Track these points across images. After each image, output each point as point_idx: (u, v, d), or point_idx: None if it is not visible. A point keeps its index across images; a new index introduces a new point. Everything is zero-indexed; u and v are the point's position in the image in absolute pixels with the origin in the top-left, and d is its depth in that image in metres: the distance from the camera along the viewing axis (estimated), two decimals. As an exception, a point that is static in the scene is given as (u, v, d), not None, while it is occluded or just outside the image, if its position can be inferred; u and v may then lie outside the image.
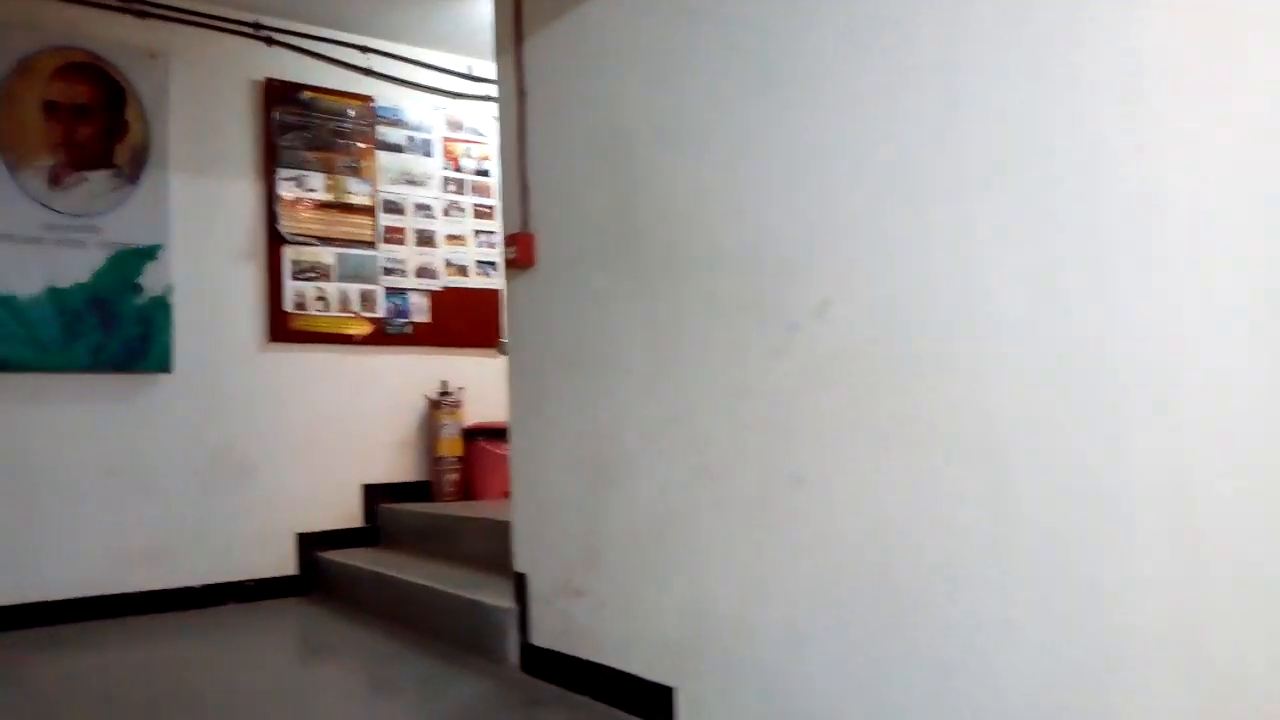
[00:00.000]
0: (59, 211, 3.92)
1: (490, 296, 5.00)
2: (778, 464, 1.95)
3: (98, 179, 4.01)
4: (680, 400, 2.23)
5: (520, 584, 2.86)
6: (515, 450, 2.97)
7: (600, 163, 2.54)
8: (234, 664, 3.17)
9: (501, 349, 3.23)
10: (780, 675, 1.94)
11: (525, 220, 2.85)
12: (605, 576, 2.50)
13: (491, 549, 3.56)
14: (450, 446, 4.66)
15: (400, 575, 3.62)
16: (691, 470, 2.19)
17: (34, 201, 3.87)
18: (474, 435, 4.71)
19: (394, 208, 4.77)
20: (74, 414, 3.93)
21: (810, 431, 1.88)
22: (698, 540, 2.17)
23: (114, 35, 4.10)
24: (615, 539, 2.47)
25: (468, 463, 4.71)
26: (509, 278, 2.98)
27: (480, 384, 4.90)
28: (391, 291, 4.71)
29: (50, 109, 3.93)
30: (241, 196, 4.38)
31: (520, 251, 2.79)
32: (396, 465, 4.69)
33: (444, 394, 4.74)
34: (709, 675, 2.14)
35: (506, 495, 4.82)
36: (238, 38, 4.40)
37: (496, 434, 4.66)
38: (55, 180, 3.93)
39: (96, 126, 4.03)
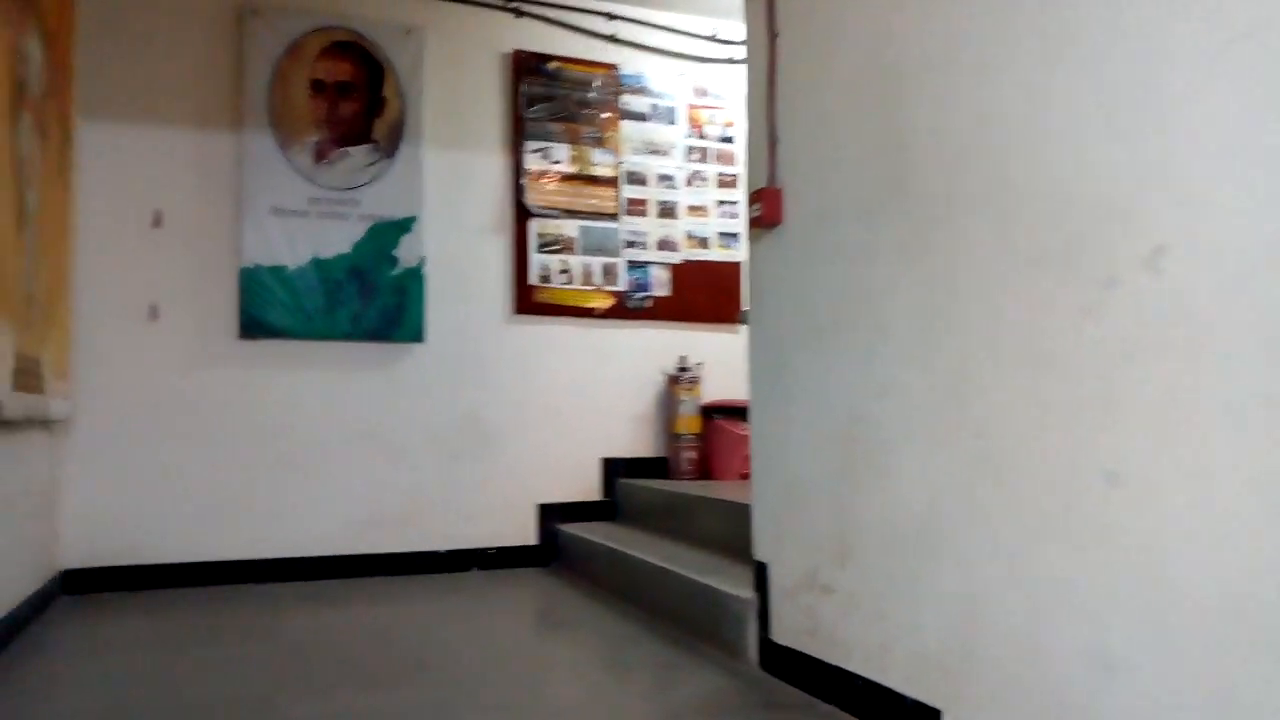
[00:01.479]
0: (322, 186, 4.09)
1: (731, 270, 4.77)
2: (1087, 454, 1.57)
3: (358, 154, 4.15)
4: (956, 374, 1.89)
5: (760, 574, 2.62)
6: (756, 429, 2.72)
7: (861, 102, 2.23)
8: (472, 631, 3.16)
9: (743, 320, 2.99)
10: (1081, 710, 1.57)
11: (772, 174, 2.58)
12: (858, 574, 2.20)
13: (730, 532, 3.35)
14: (688, 424, 4.49)
15: (637, 554, 3.48)
16: (970, 458, 1.85)
17: (301, 176, 4.06)
18: (712, 413, 4.52)
19: (637, 178, 4.65)
20: (333, 380, 4.11)
21: (1133, 414, 1.49)
22: (975, 541, 1.83)
23: (374, 13, 4.23)
24: (871, 533, 2.16)
25: (706, 441, 4.52)
26: (752, 239, 2.73)
27: (719, 361, 4.70)
28: (633, 265, 4.60)
29: (316, 87, 4.11)
30: (490, 169, 4.41)
31: (766, 208, 2.53)
32: (635, 440, 4.58)
33: (682, 370, 4.57)
34: (984, 700, 1.79)
35: (745, 477, 4.59)
36: (488, 10, 4.42)
37: (735, 413, 4.44)
38: (320, 155, 4.10)
39: (358, 103, 4.17)
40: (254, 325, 3.96)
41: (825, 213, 2.36)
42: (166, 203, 3.92)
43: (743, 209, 4.77)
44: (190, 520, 3.86)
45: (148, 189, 3.89)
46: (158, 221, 3.90)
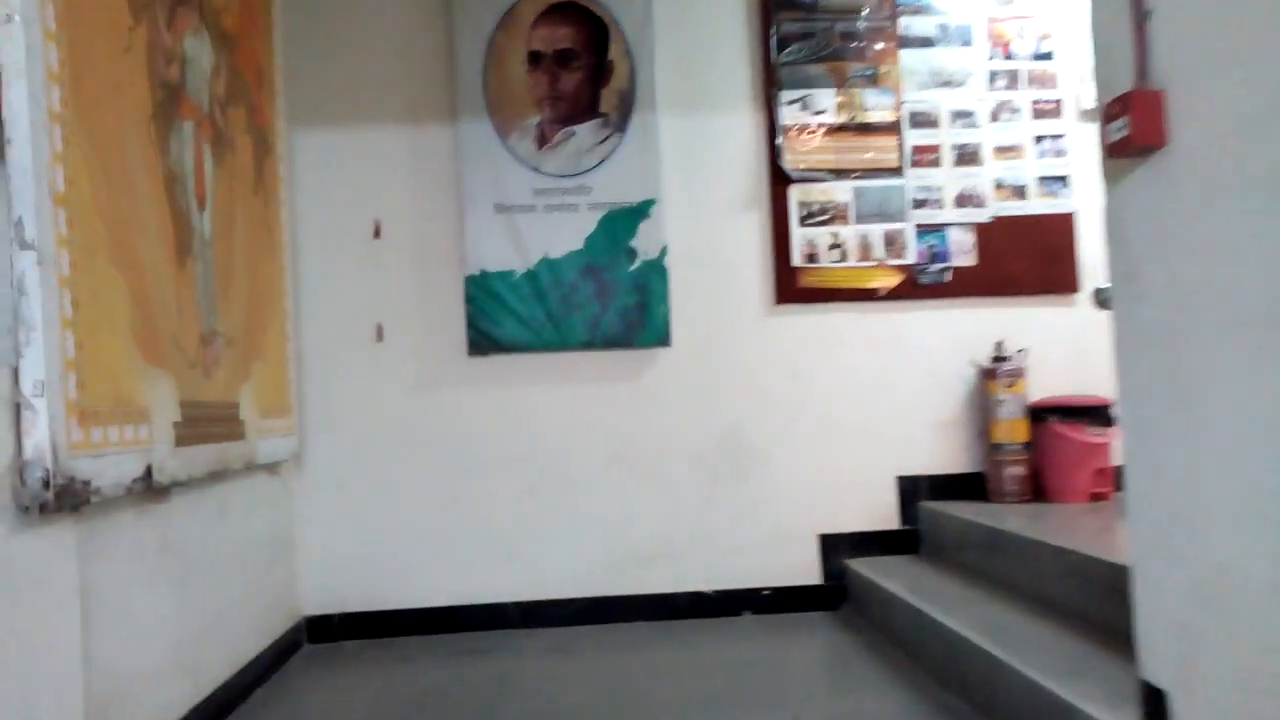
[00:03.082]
0: (548, 174, 3.54)
1: (1060, 224, 3.67)
2: None
3: (584, 132, 3.55)
4: None
5: (1155, 706, 1.66)
6: (1135, 456, 1.75)
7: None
8: (746, 698, 2.45)
9: (1099, 299, 2.01)
10: None
11: (1143, 67, 1.60)
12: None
13: (1086, 595, 2.38)
14: (1010, 430, 3.48)
15: (950, 623, 2.59)
16: None
17: (524, 166, 3.53)
18: (1043, 415, 3.47)
19: (924, 120, 3.68)
20: (573, 396, 3.56)
21: None
22: None
23: (593, -35, 3.61)
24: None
25: (1036, 451, 3.48)
26: (1111, 176, 1.76)
27: (1050, 345, 3.63)
28: (924, 229, 3.65)
29: (533, 60, 3.55)
30: (738, 132, 3.65)
31: (1139, 123, 1.56)
32: (938, 452, 3.64)
33: (999, 359, 3.56)
34: None
35: (1095, 498, 3.53)
36: (725, -60, 3.65)
37: (1078, 414, 3.37)
38: (543, 139, 3.55)
39: (581, 72, 3.57)
40: (483, 340, 3.49)
41: (1257, 119, 1.37)
42: (385, 210, 3.54)
43: (1087, 123, 3.65)
44: (428, 560, 3.47)
45: (365, 196, 3.54)
46: (378, 232, 3.54)
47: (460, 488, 3.51)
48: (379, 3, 3.56)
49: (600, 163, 3.55)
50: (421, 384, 3.53)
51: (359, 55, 3.54)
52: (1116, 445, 3.34)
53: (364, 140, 3.54)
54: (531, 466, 3.53)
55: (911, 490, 3.61)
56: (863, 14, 3.68)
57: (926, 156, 3.67)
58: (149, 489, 2.11)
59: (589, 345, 3.52)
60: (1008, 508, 3.41)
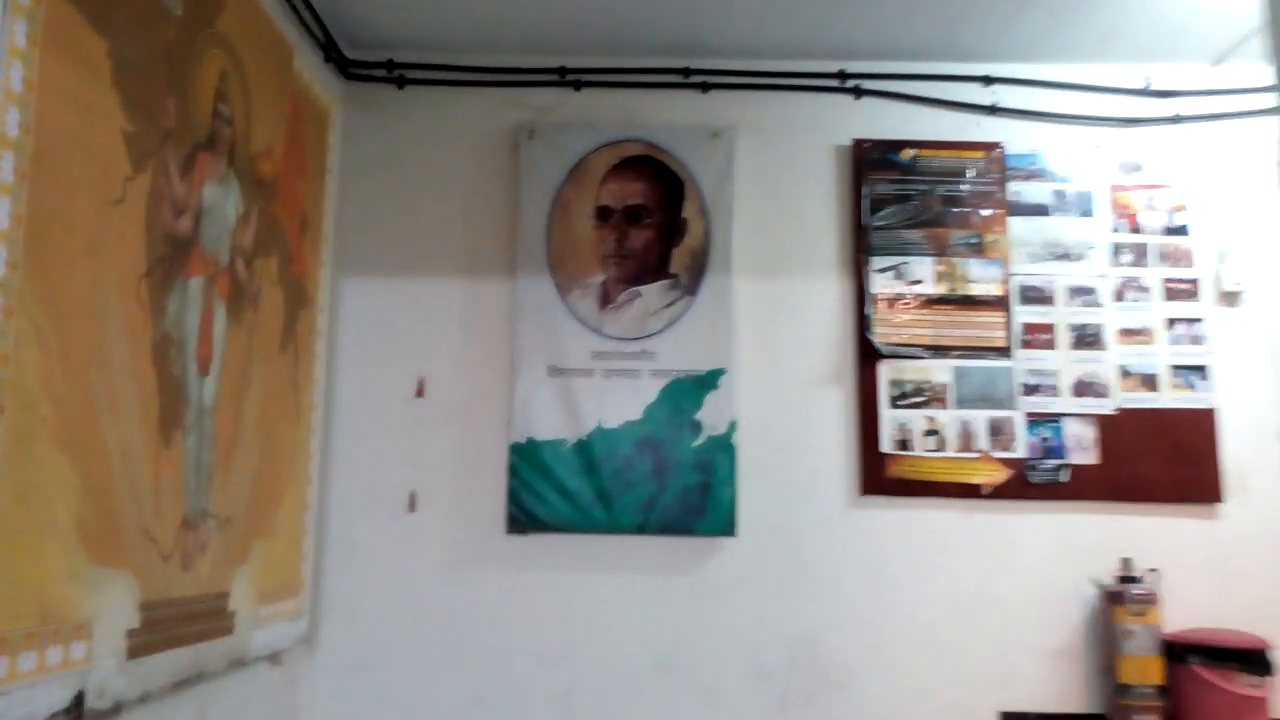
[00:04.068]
0: (609, 336, 3.21)
1: (1199, 420, 3.15)
2: None
3: (651, 293, 3.23)
4: None
5: None
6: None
7: None
8: None
9: None
10: None
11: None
12: None
13: None
14: (1141, 669, 2.88)
15: None
16: None
17: (584, 326, 3.21)
18: (1183, 654, 2.86)
19: (1036, 295, 3.25)
20: (620, 588, 3.12)
21: None
22: None
23: (671, 117, 3.36)
24: None
25: (1174, 698, 2.86)
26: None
27: (1186, 563, 3.06)
28: (1037, 419, 3.17)
29: (602, 215, 3.28)
30: (822, 299, 3.28)
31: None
32: (1051, 686, 3.04)
33: (1126, 579, 2.99)
34: None
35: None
36: (818, 94, 3.37)
37: (1226, 656, 2.78)
38: (606, 299, 3.24)
39: (652, 230, 3.28)
40: (524, 516, 3.11)
41: None
42: (431, 367, 3.25)
43: (1213, 325, 3.17)
44: (443, 772, 3.01)
45: (412, 352, 3.26)
46: (421, 390, 3.24)
47: (488, 687, 3.06)
48: (443, 149, 3.37)
49: (667, 326, 3.21)
50: (454, 562, 3.14)
51: (417, 204, 3.33)
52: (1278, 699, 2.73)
53: (414, 293, 3.29)
54: (570, 668, 3.07)
55: (1018, 731, 3.01)
56: (967, 176, 3.32)
57: (1039, 337, 3.22)
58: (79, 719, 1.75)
59: (642, 529, 3.10)
60: (1139, 766, 2.79)
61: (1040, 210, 3.31)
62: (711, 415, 3.14)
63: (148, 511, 1.99)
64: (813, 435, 3.19)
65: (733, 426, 3.13)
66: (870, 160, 3.33)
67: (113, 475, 1.85)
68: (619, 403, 3.16)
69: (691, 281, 3.23)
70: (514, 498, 3.12)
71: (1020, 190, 3.32)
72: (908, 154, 3.34)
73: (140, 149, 1.94)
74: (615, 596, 3.11)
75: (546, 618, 3.10)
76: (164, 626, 2.05)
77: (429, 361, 3.25)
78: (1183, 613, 2.97)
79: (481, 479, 3.17)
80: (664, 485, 3.11)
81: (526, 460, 3.13)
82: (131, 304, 1.92)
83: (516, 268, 3.26)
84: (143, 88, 1.95)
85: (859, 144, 3.34)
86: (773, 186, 3.33)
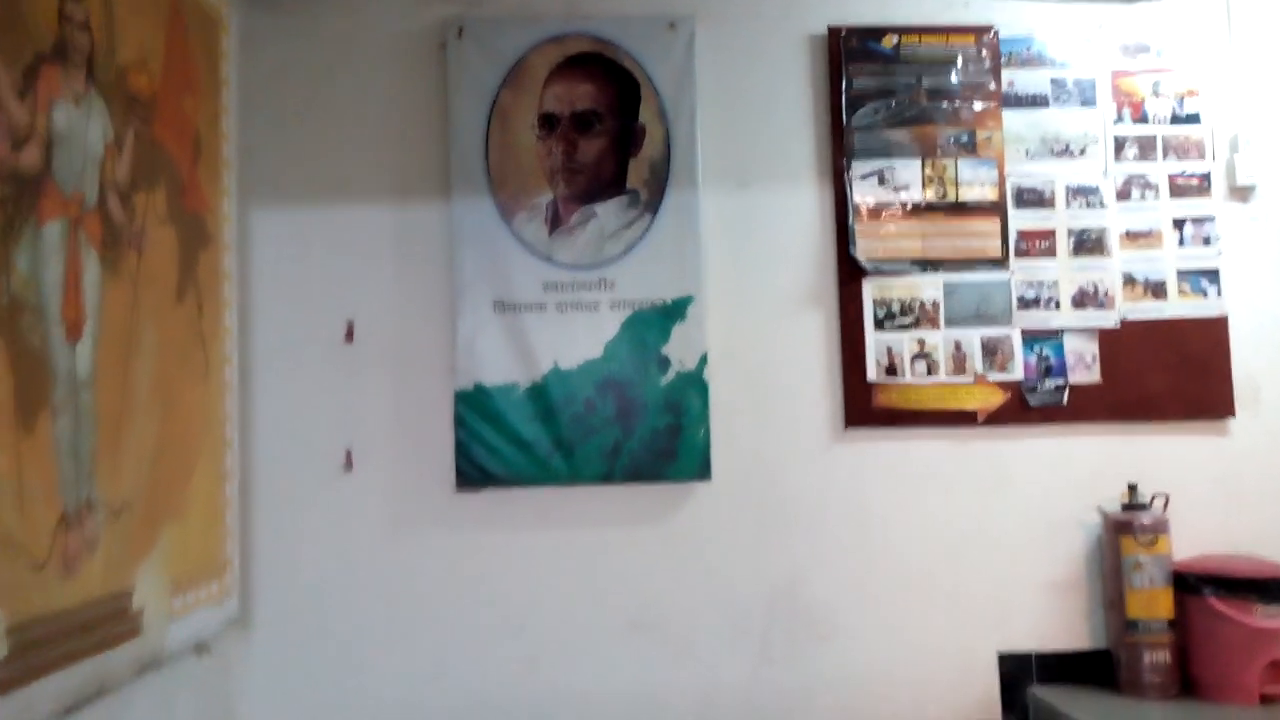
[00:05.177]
0: (561, 264, 2.84)
1: (1209, 330, 2.89)
2: None
3: (607, 212, 2.86)
4: None
5: None
6: None
7: None
8: None
9: None
10: None
11: None
12: None
13: None
14: (1150, 603, 2.67)
15: None
16: None
17: (532, 254, 2.84)
18: (1195, 585, 2.66)
19: (1033, 198, 2.93)
20: (587, 542, 2.83)
21: None
22: None
23: (621, 6, 2.93)
24: None
25: (1185, 632, 2.67)
26: None
27: (1197, 485, 2.85)
28: (1034, 336, 2.89)
29: (546, 124, 2.87)
30: (799, 212, 2.92)
31: None
32: (1052, 623, 2.84)
33: (1133, 506, 2.76)
34: None
35: (1267, 700, 2.66)
36: (785, -24, 2.96)
37: (1241, 586, 2.59)
38: (556, 221, 2.86)
39: (605, 139, 2.88)
40: (475, 471, 2.79)
41: None
42: (361, 308, 2.87)
43: (1226, 224, 2.89)
44: (402, 750, 2.75)
45: (336, 292, 2.87)
46: (350, 334, 2.87)
47: (446, 656, 2.79)
48: (360, 53, 2.91)
49: (626, 251, 2.85)
50: (398, 525, 2.83)
51: (333, 119, 2.89)
52: (1296, 629, 2.54)
53: (336, 222, 2.88)
54: (533, 632, 2.80)
55: (1017, 672, 2.81)
56: (957, 65, 2.95)
57: (1037, 244, 2.91)
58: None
59: (607, 478, 2.80)
60: (1147, 705, 2.62)
61: (1038, 101, 2.96)
62: (680, 349, 2.81)
63: (6, 516, 1.63)
64: (791, 365, 2.88)
65: (704, 360, 2.81)
66: (848, 50, 2.93)
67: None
68: (576, 339, 2.82)
69: (652, 197, 2.86)
70: (462, 451, 2.79)
71: (1015, 79, 2.95)
72: (889, 41, 2.95)
73: (-54, 65, 1.51)
74: (580, 554, 2.82)
75: (506, 580, 2.81)
76: (44, 648, 1.72)
77: (357, 301, 2.87)
78: (1192, 537, 2.76)
79: (424, 431, 2.83)
80: (630, 429, 2.79)
81: (474, 409, 2.79)
82: (-46, 265, 1.52)
83: (451, 189, 2.86)
84: (-58, -15, 1.51)
85: (835, 32, 2.94)
86: (739, 84, 2.94)
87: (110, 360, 1.99)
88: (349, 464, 2.83)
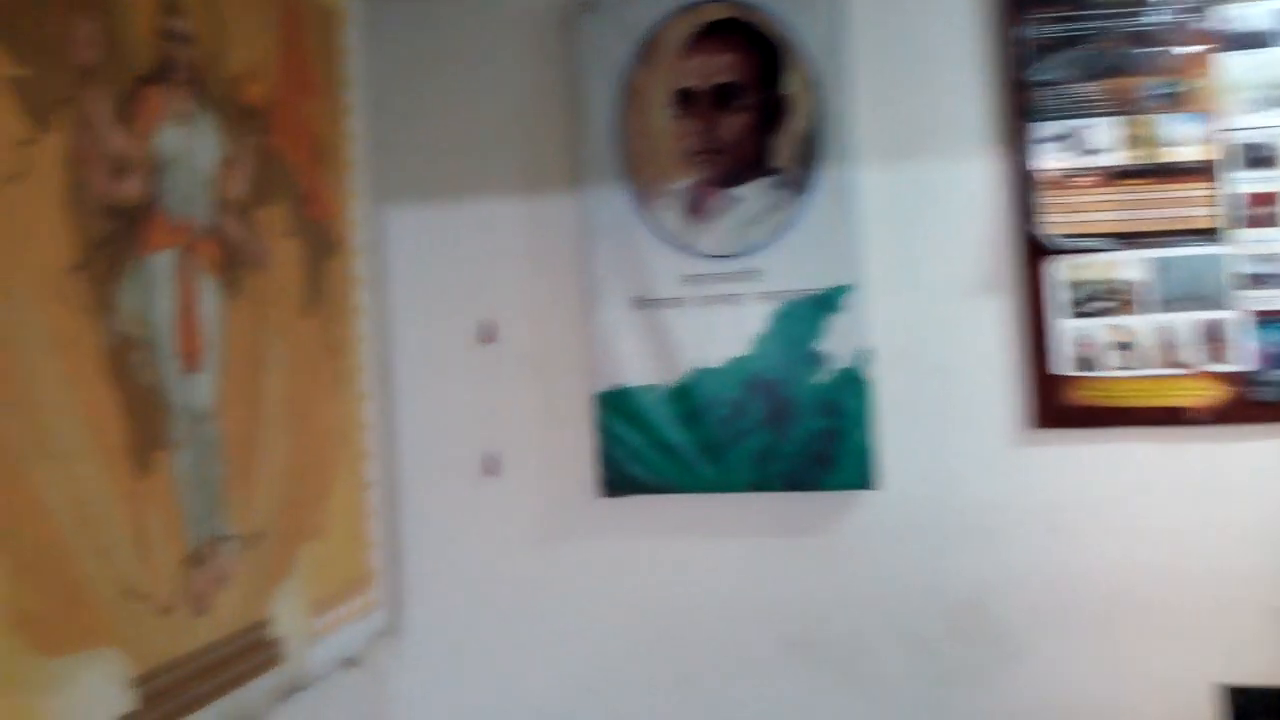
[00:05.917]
0: (702, 254, 2.62)
1: None
2: None
3: (752, 195, 2.60)
4: None
5: None
6: None
7: None
8: None
9: None
10: None
11: None
12: None
13: None
14: None
15: None
16: None
17: (671, 245, 2.63)
18: None
19: (1259, 157, 2.47)
20: (735, 555, 2.63)
21: None
22: None
23: (763, -35, 2.64)
24: None
25: None
26: None
27: None
28: (1265, 318, 2.44)
29: (683, 101, 2.63)
30: (969, 184, 2.58)
31: None
32: (1286, 653, 2.44)
33: (1394, 519, 2.31)
34: None
35: None
36: (950, -87, 2.59)
37: None
38: (695, 207, 2.63)
39: (748, 114, 2.62)
40: (618, 477, 2.62)
41: None
42: (497, 306, 2.75)
43: None
44: (551, 770, 2.65)
45: (473, 290, 2.76)
46: (487, 336, 2.74)
47: (593, 673, 2.66)
48: (483, 39, 2.75)
49: (774, 236, 2.58)
50: (543, 533, 2.71)
51: (459, 107, 2.76)
52: None
53: (469, 217, 2.76)
54: (685, 649, 2.63)
55: (1243, 709, 2.42)
56: (1158, 3, 2.51)
57: (1263, 211, 2.46)
58: None
59: (759, 486, 2.57)
60: None
61: (1258, 41, 2.48)
62: (837, 343, 2.54)
63: (126, 564, 1.56)
64: (968, 359, 2.55)
65: (864, 356, 2.53)
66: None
67: (62, 538, 1.42)
68: (721, 336, 2.59)
69: (801, 176, 2.58)
70: (605, 456, 2.62)
71: (1233, 15, 2.49)
72: (1077, -19, 2.54)
73: (42, 99, 1.43)
74: (733, 566, 2.62)
75: (656, 593, 2.65)
76: (175, 693, 1.66)
77: (494, 299, 2.75)
78: None
79: (565, 434, 2.69)
80: (783, 433, 2.55)
81: (615, 411, 2.62)
82: (58, 311, 1.44)
83: (583, 177, 2.67)
84: (32, 12, 1.42)
85: (1010, -26, 2.56)
86: (899, 42, 2.60)
87: (236, 386, 1.92)
88: (491, 469, 2.72)
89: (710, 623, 2.62)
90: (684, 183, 2.62)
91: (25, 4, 1.41)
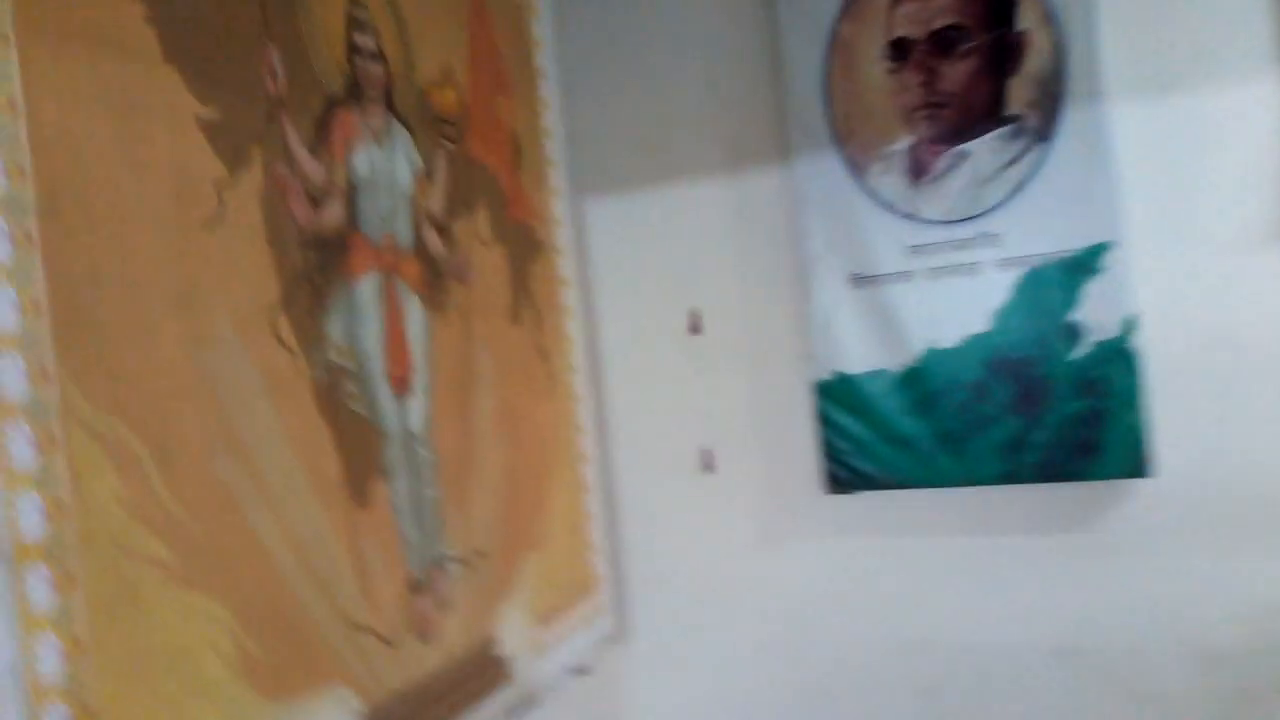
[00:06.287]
0: (929, 221, 2.35)
1: None
2: None
3: (984, 150, 2.30)
4: None
5: None
6: None
7: None
8: None
9: None
10: None
11: None
12: None
13: None
14: None
15: None
16: None
17: (892, 213, 2.38)
18: None
19: None
20: (983, 554, 2.37)
21: None
22: None
23: (982, -115, 2.31)
24: None
25: None
26: None
27: None
28: None
29: (897, 52, 2.36)
30: (1249, 118, 2.14)
31: None
32: None
33: None
34: None
35: None
36: None
37: None
38: (918, 169, 2.36)
39: (975, 58, 2.31)
40: (844, 471, 2.42)
41: None
42: (704, 295, 2.60)
43: None
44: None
45: (678, 279, 2.63)
46: (695, 326, 2.61)
47: (828, 680, 2.49)
48: (676, 10, 2.59)
49: (1013, 194, 2.28)
50: (766, 532, 2.56)
51: (655, 86, 2.61)
52: None
53: (671, 203, 2.62)
54: (933, 656, 2.41)
55: None
56: None
57: None
58: None
59: (1009, 478, 2.29)
60: None
61: None
62: (1096, 312, 2.20)
63: (349, 599, 1.55)
64: (1255, 323, 2.15)
65: (1131, 325, 2.18)
66: None
67: (281, 579, 1.41)
68: (955, 311, 2.32)
69: (1042, 122, 2.24)
70: (828, 449, 2.43)
71: None
72: None
73: (234, 138, 1.40)
74: (982, 566, 2.36)
75: (894, 594, 2.44)
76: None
77: (701, 287, 2.61)
78: None
79: (782, 427, 2.52)
80: (1035, 417, 2.25)
81: (837, 401, 2.41)
82: (266, 350, 1.43)
83: (791, 147, 2.47)
84: (219, 50, 1.39)
85: None
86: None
87: (447, 404, 1.88)
88: (709, 465, 2.59)
89: (961, 627, 2.38)
90: (904, 143, 2.36)
91: (213, 41, 1.39)
